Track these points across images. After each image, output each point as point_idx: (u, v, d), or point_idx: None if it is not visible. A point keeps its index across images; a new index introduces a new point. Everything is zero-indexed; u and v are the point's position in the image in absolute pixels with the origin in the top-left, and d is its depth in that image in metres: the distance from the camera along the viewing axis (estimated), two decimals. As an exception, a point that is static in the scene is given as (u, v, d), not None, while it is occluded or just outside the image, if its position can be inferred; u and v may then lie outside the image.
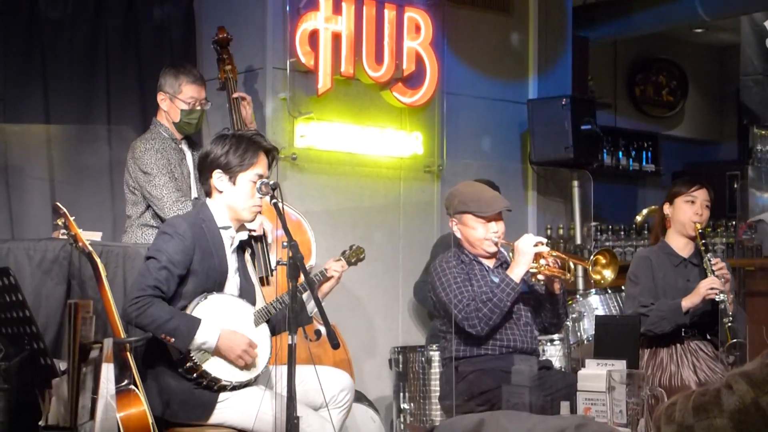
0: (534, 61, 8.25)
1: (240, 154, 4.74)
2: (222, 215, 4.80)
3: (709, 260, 5.47)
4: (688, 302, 5.41)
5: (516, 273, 5.23)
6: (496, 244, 5.40)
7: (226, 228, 4.80)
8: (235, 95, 6.25)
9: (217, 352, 4.59)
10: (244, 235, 4.88)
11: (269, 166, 4.88)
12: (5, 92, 6.43)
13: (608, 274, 5.17)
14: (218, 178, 4.75)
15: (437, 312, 5.48)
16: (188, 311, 4.61)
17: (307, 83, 6.97)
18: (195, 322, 4.55)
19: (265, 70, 6.93)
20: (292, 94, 6.91)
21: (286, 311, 4.73)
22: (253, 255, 5.04)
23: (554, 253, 5.31)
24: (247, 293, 4.83)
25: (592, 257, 5.18)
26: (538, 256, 5.24)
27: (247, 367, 4.66)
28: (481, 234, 5.38)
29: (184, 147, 6.06)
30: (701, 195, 5.66)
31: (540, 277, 5.27)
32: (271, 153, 4.88)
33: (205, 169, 4.81)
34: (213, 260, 4.72)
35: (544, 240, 5.32)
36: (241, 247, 4.91)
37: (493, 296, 5.19)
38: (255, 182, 4.74)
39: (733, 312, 5.43)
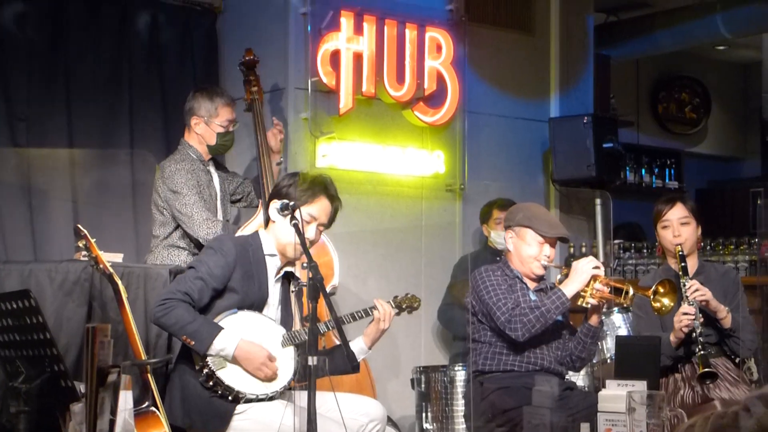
0: (556, 80, 8.24)
1: (302, 190, 4.78)
2: (271, 244, 4.85)
3: (684, 284, 5.33)
4: (673, 337, 5.34)
5: (569, 289, 5.24)
6: (544, 267, 5.43)
7: (272, 255, 4.83)
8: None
9: (235, 360, 4.62)
10: (290, 267, 4.89)
11: (330, 217, 4.89)
12: (29, 113, 6.47)
13: (668, 302, 5.15)
14: (274, 207, 4.77)
15: (474, 318, 5.46)
16: (216, 320, 4.65)
17: (329, 103, 6.98)
18: (216, 328, 4.59)
19: (287, 91, 6.95)
20: (314, 114, 6.93)
21: (327, 353, 4.75)
22: (297, 293, 5.01)
23: (608, 280, 5.32)
24: (286, 324, 4.84)
25: (653, 287, 5.16)
26: (593, 279, 5.24)
27: (266, 380, 4.67)
28: (534, 252, 5.40)
29: (212, 169, 6.10)
30: (674, 215, 5.54)
31: (590, 300, 5.26)
32: (335, 203, 4.89)
33: (270, 197, 4.89)
34: (253, 283, 4.77)
35: (602, 265, 5.32)
36: (287, 279, 4.92)
37: (542, 305, 5.22)
38: (308, 221, 4.77)
39: (733, 327, 5.36)
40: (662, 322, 5.45)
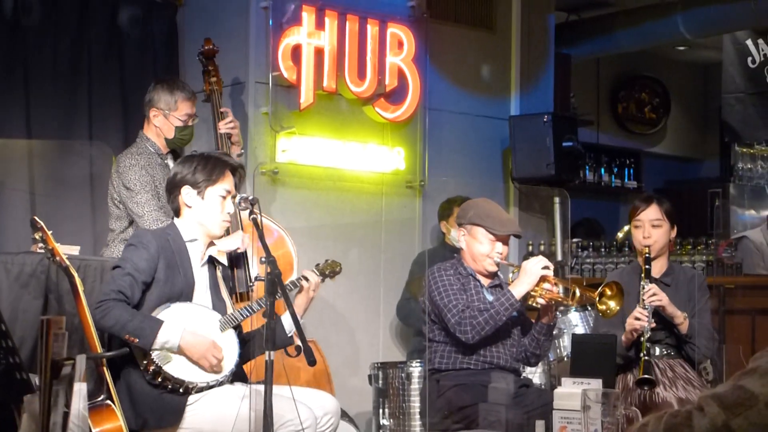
0: (516, 78, 8.26)
1: (208, 170, 4.84)
2: (190, 231, 4.87)
3: (643, 287, 5.34)
4: (624, 337, 5.36)
5: (518, 290, 5.25)
6: (497, 264, 5.43)
7: (192, 241, 4.85)
8: (222, 110, 6.22)
9: (180, 351, 4.61)
10: (213, 251, 4.92)
11: (236, 185, 4.96)
12: (-14, 105, 6.42)
13: (613, 305, 5.15)
14: (187, 194, 4.82)
15: (427, 317, 5.47)
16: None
17: (290, 98, 6.97)
18: (157, 322, 4.59)
19: (247, 84, 6.93)
20: (274, 109, 6.91)
21: (260, 332, 4.75)
22: (225, 275, 5.03)
23: (557, 280, 5.33)
24: (218, 309, 4.84)
25: (599, 289, 5.16)
26: (542, 280, 5.25)
27: (212, 368, 4.66)
28: (486, 250, 5.41)
29: (170, 161, 6.05)
30: (647, 215, 5.53)
31: (540, 300, 5.28)
32: (238, 171, 4.97)
33: (173, 187, 4.89)
34: (178, 271, 4.77)
35: (551, 265, 5.33)
36: (213, 264, 4.93)
37: (491, 308, 5.22)
38: (223, 197, 4.83)
39: (689, 333, 5.38)
40: (623, 319, 5.47)
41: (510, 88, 8.25)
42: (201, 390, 4.64)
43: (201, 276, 4.86)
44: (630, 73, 11.00)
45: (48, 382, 2.71)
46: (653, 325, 5.25)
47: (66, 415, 2.88)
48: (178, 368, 4.62)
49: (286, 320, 4.88)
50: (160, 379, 4.59)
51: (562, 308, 6.45)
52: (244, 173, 5.08)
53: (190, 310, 4.75)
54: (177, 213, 4.91)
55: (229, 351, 4.77)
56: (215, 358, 4.66)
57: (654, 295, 5.30)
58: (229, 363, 4.74)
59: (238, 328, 4.84)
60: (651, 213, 5.54)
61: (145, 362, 4.60)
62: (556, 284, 5.28)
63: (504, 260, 5.47)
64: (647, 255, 5.46)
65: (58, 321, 2.80)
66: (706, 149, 11.48)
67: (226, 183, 4.85)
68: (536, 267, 5.26)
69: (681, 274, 5.70)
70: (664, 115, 11.13)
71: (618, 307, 5.12)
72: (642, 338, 5.24)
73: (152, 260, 4.70)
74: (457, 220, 5.61)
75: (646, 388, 5.21)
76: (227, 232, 5.20)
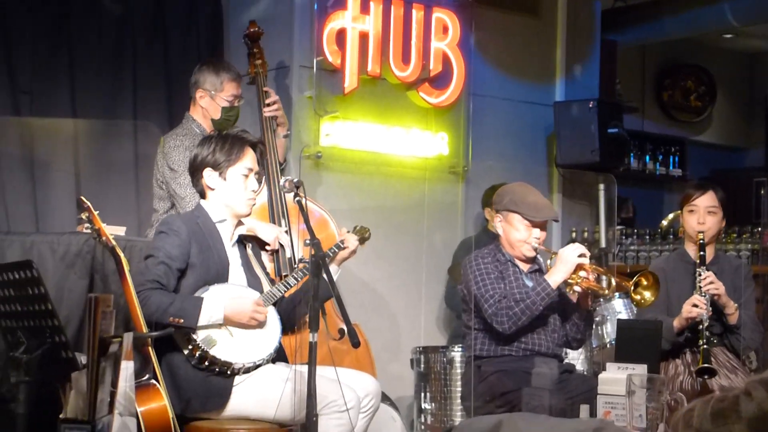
0: (561, 64, 8.22)
1: (227, 150, 4.83)
2: (218, 212, 4.87)
3: (699, 274, 5.34)
4: (677, 323, 5.35)
5: (554, 279, 5.21)
6: (535, 249, 5.40)
7: (222, 221, 4.85)
8: (265, 89, 6.23)
9: (227, 322, 4.62)
10: (242, 230, 4.94)
11: (258, 161, 4.96)
12: (32, 86, 6.45)
13: (649, 295, 5.11)
14: (209, 176, 4.82)
15: (466, 305, 5.46)
16: None
17: (334, 82, 6.97)
18: (198, 300, 4.60)
19: (291, 68, 6.93)
20: (318, 93, 6.91)
21: (298, 307, 4.77)
22: (256, 252, 5.04)
23: (595, 267, 5.29)
24: (254, 287, 4.85)
25: (635, 278, 5.12)
26: (578, 268, 5.22)
27: (262, 325, 4.68)
28: (523, 236, 5.38)
29: (215, 143, 6.07)
30: (703, 202, 5.52)
31: (576, 288, 5.25)
32: (257, 147, 4.97)
33: (195, 170, 4.89)
34: (212, 253, 4.77)
35: (588, 253, 5.29)
36: (242, 243, 4.95)
37: (527, 297, 5.19)
38: (246, 175, 4.83)
39: (738, 323, 5.36)
40: (669, 306, 5.45)
41: (555, 73, 8.21)
42: (248, 370, 4.65)
43: (233, 255, 4.87)
44: (676, 61, 10.92)
45: (96, 358, 2.73)
46: (710, 313, 5.23)
47: (113, 394, 2.89)
48: (224, 350, 4.62)
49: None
50: (207, 363, 4.61)
51: (601, 297, 6.42)
52: (264, 148, 5.05)
53: (228, 291, 4.76)
54: (202, 195, 4.91)
55: (271, 328, 4.78)
56: (262, 315, 4.68)
57: (711, 283, 5.28)
58: (273, 340, 4.76)
59: (277, 303, 4.86)
60: (707, 199, 5.52)
61: (190, 347, 4.60)
62: (592, 272, 5.24)
63: (542, 245, 5.44)
64: (701, 241, 5.43)
65: (106, 299, 2.82)
66: (752, 138, 11.37)
67: (247, 160, 4.85)
68: (572, 255, 5.21)
69: (726, 263, 5.68)
70: (709, 104, 11.03)
71: (653, 298, 5.08)
72: (701, 326, 5.21)
73: (184, 246, 4.70)
74: (494, 206, 5.58)
75: (706, 376, 5.18)
76: (277, 212, 5.20)
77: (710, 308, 5.26)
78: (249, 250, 4.98)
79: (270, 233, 5.49)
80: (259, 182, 4.71)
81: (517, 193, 5.49)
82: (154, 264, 4.65)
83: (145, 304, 4.54)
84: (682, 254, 5.64)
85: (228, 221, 4.87)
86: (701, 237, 5.44)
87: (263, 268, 5.05)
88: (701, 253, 5.40)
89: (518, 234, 5.39)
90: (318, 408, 4.27)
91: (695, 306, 5.24)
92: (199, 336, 4.60)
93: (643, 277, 5.10)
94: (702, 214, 5.51)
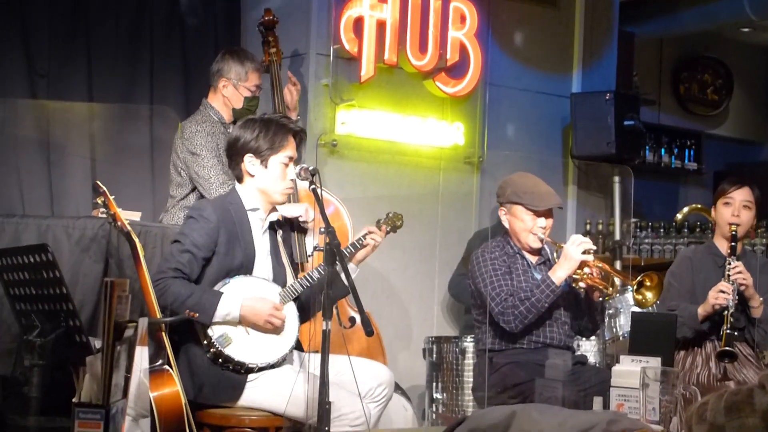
0: (579, 55, 8.20)
1: (270, 138, 4.78)
2: (252, 199, 4.83)
3: (729, 263, 5.38)
4: (702, 310, 5.37)
5: (558, 276, 5.20)
6: (541, 240, 5.39)
7: (254, 210, 4.82)
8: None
9: (243, 321, 4.62)
10: (274, 217, 4.90)
11: (297, 148, 4.92)
12: (49, 69, 6.45)
13: (650, 296, 5.12)
14: (249, 162, 4.78)
15: (474, 301, 5.46)
16: None
17: (350, 70, 6.96)
18: (216, 295, 4.59)
19: (308, 56, 6.93)
20: (335, 81, 6.90)
21: (315, 295, 4.76)
22: (285, 238, 5.04)
23: (599, 264, 5.28)
24: (278, 276, 4.84)
25: (638, 278, 5.12)
26: (583, 264, 5.21)
27: (277, 330, 4.66)
28: (528, 227, 5.37)
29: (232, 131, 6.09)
30: (739, 195, 5.57)
31: (581, 284, 5.24)
32: (299, 135, 4.92)
33: (235, 153, 4.84)
34: (239, 242, 4.75)
35: (594, 247, 5.27)
36: (273, 230, 4.92)
37: (532, 296, 5.18)
38: (286, 164, 4.79)
39: (762, 318, 5.37)
40: (693, 295, 5.46)
41: (572, 65, 8.19)
42: (262, 369, 4.65)
43: (262, 243, 4.85)
44: (693, 54, 10.87)
45: (110, 343, 2.73)
46: (736, 301, 5.25)
47: (127, 378, 2.90)
48: (238, 350, 4.62)
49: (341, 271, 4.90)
50: (221, 360, 4.62)
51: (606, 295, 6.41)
52: (305, 136, 5.03)
53: (249, 284, 4.74)
54: (239, 179, 4.89)
55: (289, 325, 4.77)
56: (278, 320, 4.67)
57: (740, 272, 5.30)
58: (289, 340, 4.74)
59: (297, 299, 4.84)
60: (744, 193, 5.58)
61: (206, 342, 4.62)
62: (596, 269, 5.23)
63: (548, 235, 5.41)
64: (734, 233, 5.45)
65: (122, 283, 2.82)
66: (768, 132, 11.34)
67: (289, 149, 4.82)
68: (576, 253, 5.19)
69: (753, 259, 5.71)
70: (726, 97, 10.98)
71: (654, 299, 5.10)
72: (726, 311, 5.25)
73: (212, 234, 4.68)
74: (498, 199, 5.56)
75: (727, 360, 5.24)
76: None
77: (737, 297, 5.29)
78: (279, 237, 4.96)
79: (298, 208, 5.45)
80: (312, 173, 4.65)
81: (518, 184, 5.48)
82: (179, 251, 4.64)
83: (163, 292, 4.54)
84: (710, 247, 5.67)
85: (261, 209, 4.84)
86: (734, 229, 5.48)
87: (291, 257, 5.02)
88: (732, 243, 5.44)
89: (523, 225, 5.38)
90: (332, 417, 4.25)
91: (722, 292, 5.26)
92: (215, 333, 4.61)
93: (647, 278, 5.10)
94: (737, 207, 5.55)
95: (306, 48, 6.94)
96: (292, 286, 4.80)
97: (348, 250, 5.01)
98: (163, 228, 5.28)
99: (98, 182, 4.70)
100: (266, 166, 4.79)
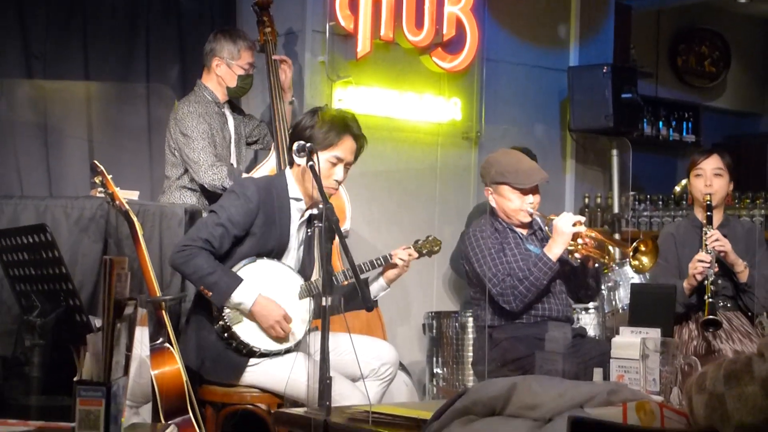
0: (575, 29, 8.18)
1: (325, 132, 4.70)
2: (296, 187, 4.79)
3: (706, 233, 5.39)
4: (686, 284, 5.39)
5: (554, 253, 5.18)
6: (530, 215, 5.37)
7: (297, 199, 4.79)
8: (275, 57, 6.26)
9: (251, 316, 4.61)
10: (315, 210, 4.82)
11: (355, 154, 4.82)
12: (45, 50, 6.44)
13: (647, 261, 5.12)
14: (316, 157, 4.70)
15: (470, 280, 5.45)
16: (235, 269, 4.63)
17: (346, 47, 6.95)
18: (236, 281, 4.57)
19: (304, 33, 6.91)
20: (331, 58, 6.89)
21: (343, 291, 4.75)
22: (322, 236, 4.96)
23: (592, 234, 5.28)
24: (305, 269, 4.82)
25: (633, 244, 5.13)
26: (575, 236, 5.20)
27: (277, 339, 4.67)
28: (516, 205, 5.33)
29: (227, 111, 6.09)
30: (709, 164, 5.56)
31: (577, 255, 5.24)
32: (359, 141, 4.82)
33: (291, 138, 4.78)
34: (275, 228, 4.72)
35: (583, 219, 5.26)
36: (311, 223, 4.87)
37: (530, 275, 5.16)
38: (333, 163, 4.71)
39: (748, 282, 5.39)
40: (680, 269, 5.48)
41: (569, 38, 8.18)
42: (264, 356, 4.66)
43: (297, 234, 4.82)
44: (690, 26, 10.85)
45: (111, 321, 2.73)
46: (716, 269, 5.27)
47: (127, 356, 2.90)
48: (246, 331, 4.64)
49: (374, 287, 4.90)
50: (226, 335, 4.62)
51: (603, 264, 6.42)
52: (366, 143, 4.88)
53: (274, 269, 4.73)
54: (290, 164, 4.84)
55: (301, 320, 4.76)
56: (283, 331, 4.66)
57: (717, 240, 5.31)
58: (297, 332, 4.75)
59: (317, 297, 4.81)
60: (713, 162, 5.57)
61: (216, 314, 4.62)
62: (591, 239, 5.23)
63: (537, 211, 5.38)
64: (708, 202, 5.45)
65: (121, 261, 2.82)
66: (766, 104, 11.32)
67: (340, 150, 4.73)
68: (567, 226, 5.17)
69: (738, 226, 5.72)
70: (723, 69, 10.97)
71: (651, 263, 5.10)
72: (706, 282, 5.26)
73: (250, 215, 4.65)
74: (482, 180, 5.49)
75: (711, 329, 5.26)
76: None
77: (716, 264, 5.32)
78: (316, 232, 4.87)
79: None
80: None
81: (502, 163, 5.40)
82: (213, 223, 4.62)
83: (187, 261, 4.53)
84: (692, 219, 5.69)
85: (303, 200, 4.79)
86: (708, 199, 5.49)
87: (326, 254, 4.94)
88: (708, 213, 5.44)
89: (511, 204, 5.34)
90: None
91: (701, 262, 5.27)
92: (226, 310, 4.61)
93: (642, 243, 5.11)
94: (709, 177, 5.56)
95: (302, 25, 6.92)
96: (314, 282, 4.78)
97: (378, 262, 4.96)
98: (161, 207, 5.29)
99: (96, 162, 4.71)
100: (312, 160, 4.70)
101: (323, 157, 4.69)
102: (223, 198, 4.83)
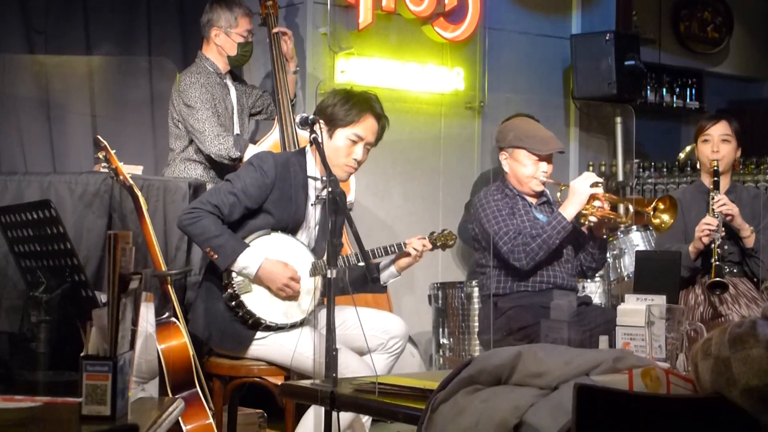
0: (577, -4, 8.17)
1: (346, 109, 4.70)
2: (314, 165, 4.78)
3: (712, 198, 5.41)
4: (692, 247, 5.40)
5: (569, 212, 5.18)
6: (543, 183, 5.37)
7: (314, 178, 4.77)
8: (275, 30, 6.24)
9: (257, 280, 4.61)
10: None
11: (377, 135, 4.81)
12: (47, 25, 6.43)
13: (667, 218, 5.12)
14: (319, 129, 4.70)
15: (479, 244, 5.45)
16: (248, 239, 4.63)
17: (348, 18, 6.93)
18: (241, 246, 4.57)
19: (305, 5, 6.89)
20: (333, 29, 6.87)
21: (351, 274, 4.74)
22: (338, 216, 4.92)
23: (609, 196, 5.27)
24: (318, 249, 4.81)
25: (653, 203, 5.13)
26: (592, 198, 5.19)
27: (289, 299, 4.66)
28: (530, 171, 5.33)
29: (228, 82, 6.09)
30: (716, 131, 5.58)
31: (592, 218, 5.22)
32: (381, 121, 4.81)
33: (315, 114, 4.76)
34: (290, 205, 4.71)
35: (601, 180, 5.26)
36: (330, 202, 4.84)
37: (543, 232, 5.16)
38: (354, 141, 4.70)
39: (755, 247, 5.41)
40: (686, 234, 5.48)
41: (571, 6, 8.15)
42: (270, 328, 4.66)
43: (313, 213, 4.81)
44: (692, -9, 10.80)
45: (116, 295, 2.73)
46: (723, 233, 5.28)
47: (133, 331, 2.91)
48: (254, 301, 4.63)
49: (385, 274, 4.91)
50: (234, 304, 4.62)
51: (622, 228, 6.41)
52: (388, 123, 4.87)
53: (288, 244, 4.71)
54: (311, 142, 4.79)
55: (309, 296, 4.75)
56: (292, 290, 4.65)
57: (724, 204, 5.32)
58: (305, 307, 4.74)
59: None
60: (721, 128, 5.58)
61: (226, 282, 4.62)
62: (606, 201, 5.22)
63: (549, 179, 5.40)
64: (716, 168, 5.47)
65: (126, 236, 2.82)
66: (770, 69, 11.28)
67: (360, 128, 4.72)
68: (584, 186, 5.17)
69: (744, 192, 5.73)
70: (726, 35, 10.91)
71: (672, 220, 5.10)
72: (713, 245, 5.28)
73: (265, 189, 4.64)
74: (498, 143, 5.51)
75: (718, 291, 5.30)
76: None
77: (722, 228, 5.34)
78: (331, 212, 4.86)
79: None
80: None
81: (520, 128, 5.44)
82: (226, 191, 4.62)
83: (194, 222, 4.53)
84: (699, 185, 5.70)
85: (320, 179, 4.76)
86: (715, 165, 5.51)
87: (338, 234, 4.90)
88: (715, 179, 5.46)
89: (525, 170, 5.35)
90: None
91: (707, 225, 5.28)
92: (238, 276, 4.61)
93: (660, 201, 5.11)
94: (716, 143, 5.57)
95: (303, -4, 6.91)
96: (320, 263, 4.77)
97: (392, 249, 4.94)
98: (165, 181, 5.28)
99: (99, 137, 4.71)
100: (331, 137, 4.70)
101: (343, 134, 4.70)
102: (241, 168, 4.84)
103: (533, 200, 5.43)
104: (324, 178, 4.62)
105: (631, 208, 5.26)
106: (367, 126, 4.74)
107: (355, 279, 4.83)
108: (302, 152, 4.85)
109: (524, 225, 5.28)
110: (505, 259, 5.23)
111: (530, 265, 5.19)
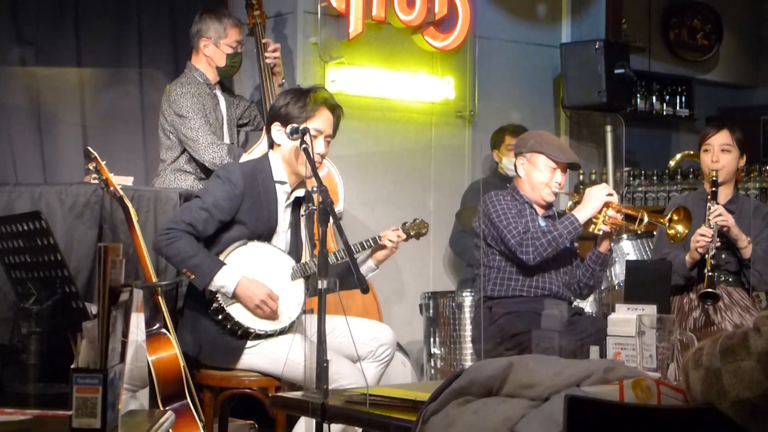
0: (567, 5, 8.17)
1: (300, 107, 4.71)
2: (280, 169, 4.79)
3: (709, 208, 5.42)
4: (688, 257, 5.41)
5: (581, 215, 5.23)
6: (555, 194, 5.41)
7: (281, 183, 4.78)
8: (264, 41, 6.23)
9: (235, 297, 4.61)
10: (300, 192, 4.84)
11: (334, 126, 4.82)
12: (37, 36, 6.42)
13: (682, 229, 5.16)
14: (277, 130, 4.72)
15: (486, 242, 5.44)
16: (224, 253, 4.63)
17: (338, 27, 6.94)
18: (218, 264, 4.57)
19: (296, 15, 6.89)
20: (323, 39, 6.88)
21: (336, 271, 4.75)
22: (308, 216, 4.95)
23: (621, 207, 5.31)
24: (294, 251, 4.82)
25: (669, 214, 5.17)
26: (606, 206, 5.23)
27: (268, 317, 4.66)
28: (545, 178, 5.38)
29: (218, 92, 6.08)
30: (716, 140, 5.57)
31: (603, 227, 5.25)
32: (336, 111, 4.82)
33: (268, 120, 4.80)
34: (262, 213, 4.72)
35: (615, 192, 5.31)
36: (298, 204, 4.88)
37: (554, 230, 5.20)
38: (314, 136, 4.68)
39: (752, 258, 5.41)
40: (685, 243, 5.50)
41: (561, 15, 8.17)
42: (259, 336, 4.66)
43: (284, 217, 4.82)
44: (682, 0, 10.82)
45: (106, 308, 2.73)
46: (718, 244, 5.31)
47: (124, 343, 2.90)
48: (240, 312, 4.63)
49: (363, 268, 4.89)
50: (221, 317, 4.62)
51: (614, 237, 6.43)
52: (342, 113, 4.91)
53: (265, 252, 4.73)
54: (271, 147, 4.85)
55: (293, 300, 4.75)
56: (269, 309, 4.65)
57: (720, 215, 5.33)
58: (292, 313, 4.74)
59: (309, 278, 4.82)
60: (721, 138, 5.58)
61: (210, 297, 4.62)
62: (620, 211, 5.26)
63: (561, 190, 5.45)
64: (714, 179, 5.48)
65: (116, 248, 2.81)
66: (759, 76, 11.28)
67: (318, 121, 4.74)
68: (600, 193, 5.26)
69: (746, 203, 5.74)
70: (716, 42, 10.93)
71: (686, 231, 5.14)
72: (707, 255, 5.29)
73: (235, 200, 4.65)
74: (517, 149, 5.56)
75: (709, 302, 5.31)
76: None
77: (717, 239, 5.35)
78: (302, 211, 4.89)
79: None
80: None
81: (542, 136, 5.54)
82: (198, 207, 4.62)
83: (170, 244, 4.53)
84: (701, 193, 5.71)
85: (287, 182, 4.78)
86: (714, 174, 5.51)
87: (310, 234, 4.94)
88: (713, 189, 5.46)
89: (541, 176, 5.39)
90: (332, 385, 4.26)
91: (702, 236, 5.29)
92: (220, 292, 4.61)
93: (674, 213, 5.15)
94: (716, 152, 5.57)
95: (293, 7, 6.91)
96: (307, 263, 4.78)
97: (368, 243, 4.94)
98: (156, 192, 5.28)
99: (89, 148, 4.70)
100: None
101: None
102: (208, 182, 4.85)
103: (540, 210, 5.46)
104: (286, 182, 4.73)
105: (645, 218, 5.27)
106: (323, 119, 4.76)
107: (338, 277, 4.83)
108: (266, 158, 4.85)
109: (532, 226, 5.32)
110: (512, 252, 5.25)
111: (537, 260, 5.22)
